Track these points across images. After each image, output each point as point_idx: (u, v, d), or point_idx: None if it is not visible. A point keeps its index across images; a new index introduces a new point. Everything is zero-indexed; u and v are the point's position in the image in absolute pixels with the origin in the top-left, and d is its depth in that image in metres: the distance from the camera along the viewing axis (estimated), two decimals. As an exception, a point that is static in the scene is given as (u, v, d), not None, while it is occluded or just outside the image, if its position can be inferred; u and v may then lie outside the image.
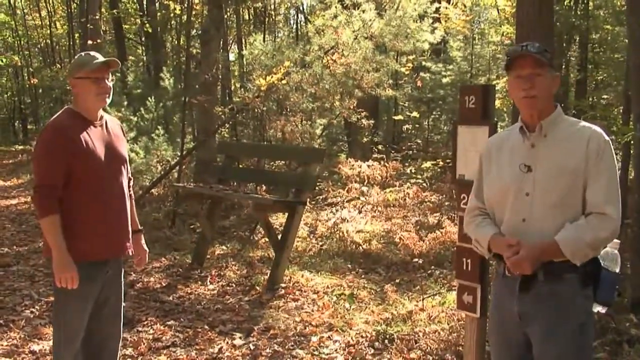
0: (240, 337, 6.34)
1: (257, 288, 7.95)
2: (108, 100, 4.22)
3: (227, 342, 6.21)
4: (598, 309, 3.44)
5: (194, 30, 18.95)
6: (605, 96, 14.07)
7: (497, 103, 14.02)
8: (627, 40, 7.56)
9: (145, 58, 26.83)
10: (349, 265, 8.97)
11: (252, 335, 6.42)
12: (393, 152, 17.09)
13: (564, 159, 3.33)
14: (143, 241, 4.66)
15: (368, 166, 13.10)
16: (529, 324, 3.45)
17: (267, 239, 9.06)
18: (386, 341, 6.14)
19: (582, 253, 3.25)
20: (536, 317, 3.42)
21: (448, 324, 6.37)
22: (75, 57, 4.39)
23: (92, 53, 4.27)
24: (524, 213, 3.43)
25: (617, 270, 3.39)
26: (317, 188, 11.89)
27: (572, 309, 3.35)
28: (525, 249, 3.32)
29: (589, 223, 3.25)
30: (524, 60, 3.42)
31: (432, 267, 8.67)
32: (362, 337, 6.30)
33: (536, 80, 3.41)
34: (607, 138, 3.31)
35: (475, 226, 3.68)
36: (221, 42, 15.54)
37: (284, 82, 11.96)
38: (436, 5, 16.08)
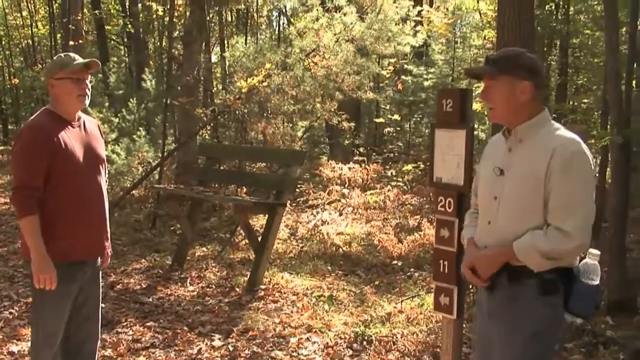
0: (219, 339, 6.36)
1: (237, 289, 7.96)
2: (87, 101, 4.22)
3: (206, 343, 6.22)
4: (572, 320, 3.46)
5: (177, 32, 18.91)
6: (585, 100, 14.14)
7: (478, 107, 14.10)
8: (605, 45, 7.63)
9: (127, 59, 26.72)
10: (329, 267, 9.00)
11: (231, 336, 6.44)
12: (374, 154, 17.12)
13: (529, 166, 3.36)
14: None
15: (349, 169, 13.16)
16: (493, 324, 3.55)
17: (247, 241, 9.07)
18: (365, 342, 6.19)
19: (535, 261, 3.30)
20: (498, 318, 3.52)
21: (426, 326, 6.43)
22: (54, 57, 4.39)
23: (71, 54, 4.28)
24: (491, 216, 3.52)
25: (596, 282, 3.39)
26: (297, 190, 11.92)
27: (530, 315, 3.39)
28: (476, 259, 3.55)
29: (548, 234, 3.28)
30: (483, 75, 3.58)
31: (412, 269, 8.72)
32: (340, 338, 6.33)
33: (489, 92, 3.50)
34: (578, 149, 3.28)
35: (465, 225, 3.85)
36: (203, 44, 15.51)
37: (265, 84, 11.98)
38: (418, 8, 16.11)
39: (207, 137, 16.63)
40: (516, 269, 3.38)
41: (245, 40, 20.24)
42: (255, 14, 25.95)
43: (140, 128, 14.13)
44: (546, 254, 3.26)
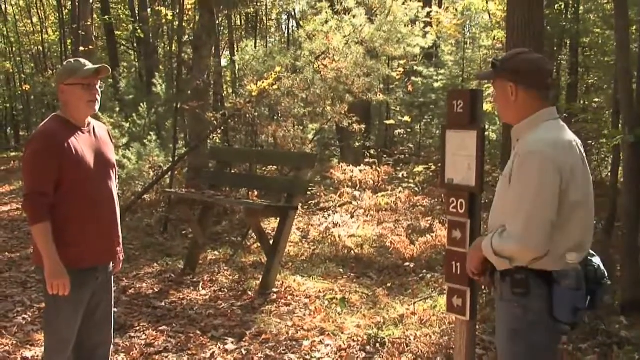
0: (232, 342, 6.35)
1: (249, 293, 7.95)
2: (97, 107, 4.23)
3: (219, 347, 6.22)
4: (561, 327, 3.42)
5: (186, 36, 18.95)
6: (596, 99, 14.09)
7: (489, 107, 14.06)
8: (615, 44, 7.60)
9: (137, 64, 26.81)
10: (341, 270, 8.98)
11: (244, 340, 6.43)
12: (385, 156, 17.13)
13: (508, 166, 3.44)
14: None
15: (360, 171, 13.15)
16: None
17: (259, 244, 9.07)
18: (377, 345, 6.17)
19: (491, 258, 3.42)
20: (496, 313, 3.66)
21: (439, 328, 6.41)
22: (64, 63, 4.40)
23: (81, 60, 4.28)
24: (491, 210, 3.63)
25: (573, 288, 3.28)
26: (309, 193, 11.90)
27: (507, 312, 3.47)
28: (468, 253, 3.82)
29: (502, 233, 3.35)
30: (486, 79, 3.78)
31: (424, 270, 8.70)
32: (353, 341, 6.31)
33: (495, 94, 3.62)
34: (534, 150, 3.26)
35: None
36: (213, 48, 15.53)
37: (275, 87, 11.98)
38: (427, 9, 16.10)
39: (217, 140, 16.64)
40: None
41: (255, 43, 20.26)
42: (264, 18, 26.01)
43: (151, 132, 14.18)
44: (497, 252, 3.36)
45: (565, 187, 3.25)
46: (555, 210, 3.23)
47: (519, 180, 3.28)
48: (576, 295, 3.30)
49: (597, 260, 3.45)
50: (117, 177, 4.54)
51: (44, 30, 31.23)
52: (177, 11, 16.43)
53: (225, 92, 18.99)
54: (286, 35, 27.46)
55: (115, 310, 4.55)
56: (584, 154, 3.43)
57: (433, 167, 14.43)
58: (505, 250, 3.31)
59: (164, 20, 19.68)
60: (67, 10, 24.99)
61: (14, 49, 32.17)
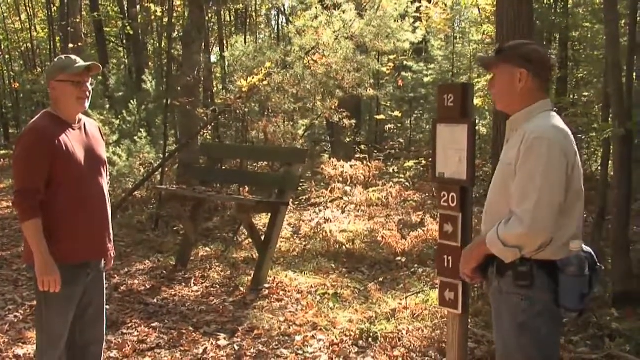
0: (224, 338, 6.36)
1: (241, 289, 7.96)
2: (88, 104, 4.22)
3: (212, 343, 6.22)
4: (565, 314, 3.43)
5: (176, 33, 18.91)
6: (586, 93, 14.12)
7: (479, 101, 14.08)
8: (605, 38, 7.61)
9: (127, 61, 26.70)
10: (333, 265, 8.99)
11: (236, 335, 6.43)
12: (375, 151, 17.10)
13: (507, 154, 3.43)
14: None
15: (351, 166, 13.12)
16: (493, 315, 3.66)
17: (250, 240, 9.07)
18: (370, 339, 6.18)
19: (498, 249, 3.35)
20: (493, 310, 3.63)
21: (431, 321, 6.43)
22: (55, 59, 4.38)
23: (72, 56, 4.27)
24: (485, 206, 3.62)
25: (578, 275, 3.31)
26: (300, 188, 11.90)
27: (511, 306, 3.45)
28: (462, 254, 3.73)
29: (507, 220, 3.31)
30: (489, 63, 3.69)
31: (415, 265, 8.71)
32: (346, 335, 6.33)
33: (494, 80, 3.61)
34: (542, 134, 3.27)
35: None
36: (203, 44, 15.51)
37: (265, 83, 11.96)
38: (417, 4, 16.09)
39: (208, 137, 16.62)
40: (501, 261, 3.43)
41: (245, 39, 20.19)
42: (254, 14, 25.94)
43: (141, 129, 14.13)
44: (504, 241, 3.30)
45: (570, 172, 3.28)
46: (563, 193, 3.25)
47: (526, 165, 3.25)
48: (582, 281, 3.32)
49: (587, 247, 3.47)
50: (108, 174, 4.53)
51: (33, 28, 31.07)
52: (167, 8, 16.37)
53: (215, 88, 18.98)
54: (276, 31, 27.41)
55: (107, 307, 4.55)
56: (576, 147, 3.44)
57: (423, 162, 14.43)
58: (513, 236, 3.26)
59: (153, 17, 19.61)
60: (55, 8, 24.86)
61: (2, 46, 32.00)
